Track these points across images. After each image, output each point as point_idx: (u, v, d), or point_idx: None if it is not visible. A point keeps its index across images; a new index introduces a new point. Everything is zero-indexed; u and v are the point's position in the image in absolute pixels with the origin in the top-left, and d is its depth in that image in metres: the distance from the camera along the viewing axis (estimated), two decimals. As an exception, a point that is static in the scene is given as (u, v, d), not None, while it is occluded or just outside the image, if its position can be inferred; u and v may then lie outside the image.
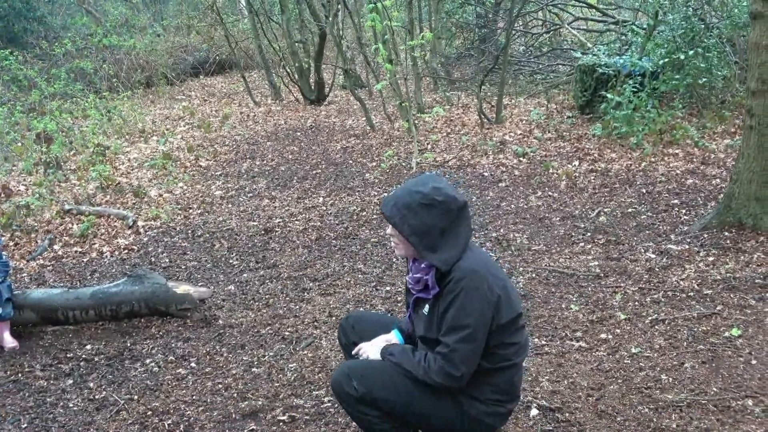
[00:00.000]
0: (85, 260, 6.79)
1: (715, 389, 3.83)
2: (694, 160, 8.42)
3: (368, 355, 3.26)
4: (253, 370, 4.48)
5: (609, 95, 9.51)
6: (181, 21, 22.30)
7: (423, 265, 3.07)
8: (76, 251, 7.02)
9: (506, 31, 11.71)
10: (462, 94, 14.08)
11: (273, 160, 10.28)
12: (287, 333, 4.96)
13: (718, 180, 7.67)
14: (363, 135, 11.48)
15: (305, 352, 4.66)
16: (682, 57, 9.34)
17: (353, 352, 3.34)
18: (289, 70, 15.77)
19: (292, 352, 4.68)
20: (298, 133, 12.10)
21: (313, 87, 15.25)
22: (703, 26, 10.08)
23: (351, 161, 9.87)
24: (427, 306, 3.10)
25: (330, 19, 13.76)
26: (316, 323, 5.08)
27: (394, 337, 3.37)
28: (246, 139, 11.88)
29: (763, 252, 5.65)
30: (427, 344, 3.12)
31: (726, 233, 6.09)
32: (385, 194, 8.18)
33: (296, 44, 15.73)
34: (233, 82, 19.32)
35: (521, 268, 5.78)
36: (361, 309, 5.25)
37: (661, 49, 9.93)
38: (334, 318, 5.13)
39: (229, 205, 8.29)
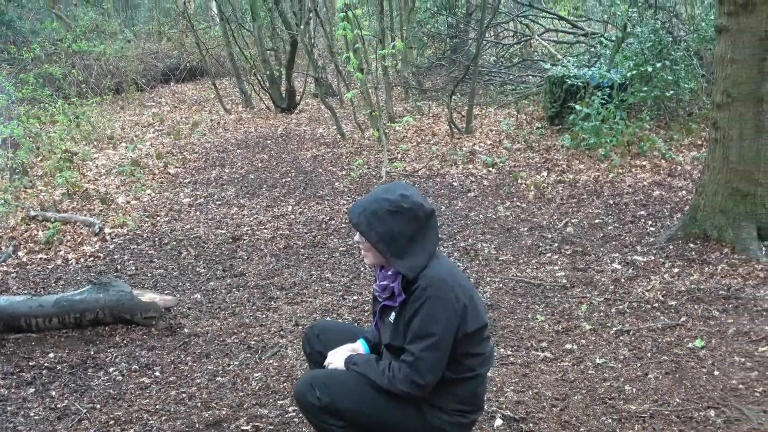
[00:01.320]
0: (49, 267, 6.71)
1: (678, 400, 3.86)
2: (661, 171, 8.51)
3: (333, 364, 3.25)
4: (218, 379, 4.45)
5: (578, 106, 9.59)
6: (152, 27, 22.19)
7: (390, 273, 3.07)
8: (40, 258, 6.93)
9: (477, 42, 11.77)
10: (433, 103, 14.12)
11: (242, 168, 10.24)
12: (253, 342, 4.93)
13: (684, 192, 7.75)
14: (333, 143, 11.48)
15: (271, 361, 4.63)
16: (650, 69, 9.43)
17: (324, 365, 3.31)
18: (260, 78, 15.73)
19: (258, 361, 4.65)
20: (269, 141, 12.07)
21: (284, 95, 15.22)
22: (671, 39, 10.19)
23: (321, 170, 9.85)
24: (393, 314, 3.10)
25: (302, 27, 13.76)
26: (282, 332, 5.06)
27: (360, 346, 3.36)
28: (216, 147, 11.82)
29: (727, 263, 5.72)
30: (393, 352, 3.11)
31: (691, 245, 6.16)
32: (354, 203, 8.17)
33: (267, 52, 15.70)
34: (204, 89, 19.22)
35: (488, 278, 5.80)
36: (328, 318, 5.23)
37: (629, 61, 10.02)
38: (300, 327, 5.11)
39: (197, 213, 8.25)
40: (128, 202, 8.68)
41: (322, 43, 17.46)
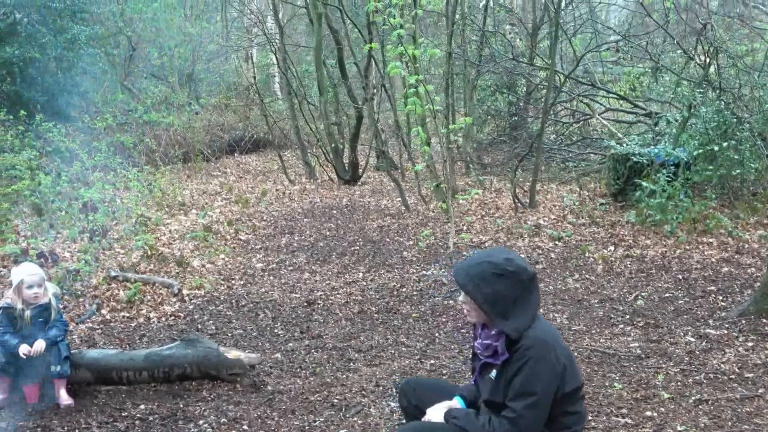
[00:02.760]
0: (132, 325, 6.95)
1: (761, 468, 3.91)
2: (729, 249, 8.56)
3: (431, 419, 3.39)
4: (305, 434, 4.60)
5: (645, 183, 9.71)
6: (219, 100, 22.90)
7: (493, 332, 3.23)
8: (123, 316, 7.19)
9: (541, 119, 12.01)
10: (494, 179, 14.34)
11: (311, 236, 10.50)
12: (336, 400, 5.08)
13: (753, 269, 7.79)
14: (398, 215, 11.71)
15: (355, 419, 4.77)
16: (716, 149, 9.55)
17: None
18: (324, 150, 16.14)
19: (342, 418, 4.79)
20: (334, 211, 12.35)
21: (347, 167, 15.59)
22: (735, 120, 10.32)
23: (388, 239, 10.07)
24: (494, 371, 3.25)
25: (367, 101, 14.16)
26: (363, 392, 5.19)
27: (456, 403, 3.50)
28: (283, 216, 12.13)
29: (801, 339, 5.75)
30: (492, 408, 3.25)
31: (764, 320, 6.20)
32: (423, 272, 8.35)
33: (332, 126, 16.13)
34: (267, 160, 19.71)
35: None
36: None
37: (694, 140, 10.16)
38: (381, 387, 5.25)
39: (271, 278, 8.48)
40: (203, 266, 8.95)
41: (383, 117, 17.89)
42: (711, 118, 10.39)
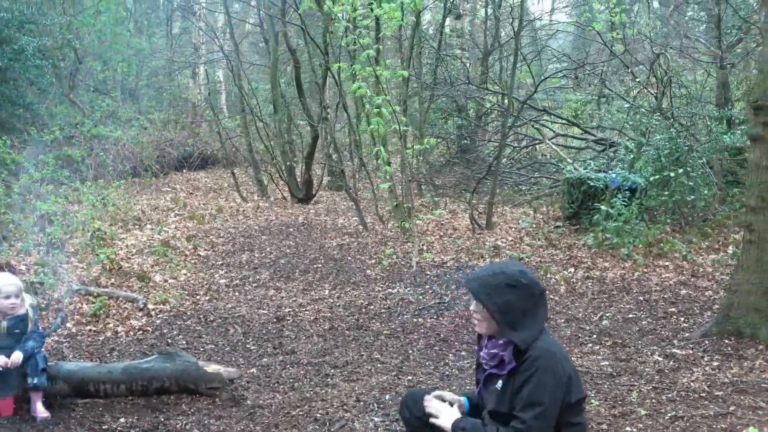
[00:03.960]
0: (101, 339, 6.87)
1: (743, 481, 4.05)
2: (684, 272, 8.81)
3: (439, 421, 3.44)
4: (291, 448, 4.61)
5: (603, 207, 9.94)
6: (167, 115, 22.74)
7: (501, 342, 3.31)
8: (90, 330, 7.09)
9: (499, 143, 12.22)
10: (447, 200, 14.51)
11: (271, 253, 10.49)
12: (318, 415, 5.09)
13: (710, 292, 8.04)
14: (356, 233, 11.77)
15: (340, 432, 4.80)
16: (672, 175, 9.85)
17: (426, 408, 3.51)
18: (278, 168, 16.14)
19: (327, 432, 4.82)
20: (291, 229, 12.35)
21: (300, 186, 15.61)
22: (687, 147, 10.66)
23: (349, 257, 10.11)
24: (500, 382, 3.33)
25: (326, 120, 14.23)
26: (345, 407, 5.22)
27: (462, 403, 3.57)
28: (240, 232, 12.10)
29: (764, 359, 5.95)
30: (497, 419, 3.32)
31: (726, 341, 6.39)
32: (389, 290, 8.42)
33: (286, 144, 16.15)
34: (217, 177, 19.63)
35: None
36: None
37: (648, 166, 10.46)
38: (362, 403, 5.28)
39: (236, 293, 8.45)
40: (166, 281, 8.88)
41: (340, 137, 17.95)
42: (664, 145, 10.72)
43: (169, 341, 6.79)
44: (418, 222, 11.85)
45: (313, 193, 15.67)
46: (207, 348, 6.61)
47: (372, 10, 9.31)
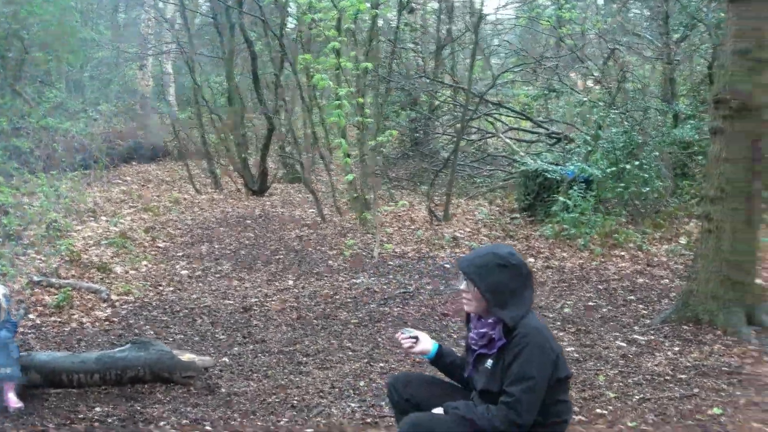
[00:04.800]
0: (66, 330, 6.81)
1: (712, 458, 4.22)
2: (640, 261, 9.05)
3: (420, 346, 3.76)
4: (272, 433, 4.65)
5: (561, 198, 10.13)
6: (117, 107, 22.45)
7: (490, 321, 3.41)
8: (54, 321, 7.02)
9: (457, 136, 12.35)
10: (403, 192, 14.61)
11: (231, 245, 10.47)
12: (295, 402, 5.14)
13: (666, 280, 8.27)
14: (314, 225, 11.80)
15: (318, 419, 4.85)
16: (628, 167, 10.08)
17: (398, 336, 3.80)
18: (233, 160, 16.07)
19: (305, 419, 4.86)
20: (249, 221, 12.33)
21: (255, 178, 15.56)
22: (640, 141, 10.91)
23: (310, 249, 10.15)
24: (489, 361, 3.43)
25: (286, 112, 14.22)
26: (321, 393, 5.28)
27: (429, 343, 3.83)
28: (197, 224, 12.05)
29: (722, 344, 6.17)
30: (487, 398, 3.42)
31: (685, 327, 6.61)
32: (353, 280, 8.48)
33: (241, 136, 16.09)
34: (168, 170, 19.45)
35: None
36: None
37: (603, 159, 10.68)
38: (337, 389, 5.34)
39: (200, 284, 8.44)
40: (127, 272, 8.82)
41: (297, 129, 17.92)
42: (618, 138, 10.95)
43: (137, 332, 6.76)
44: (374, 214, 11.93)
45: (268, 185, 15.64)
46: (176, 338, 6.61)
47: (334, 4, 9.35)
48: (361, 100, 9.80)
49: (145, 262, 9.31)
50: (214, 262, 9.51)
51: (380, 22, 20.46)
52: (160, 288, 8.29)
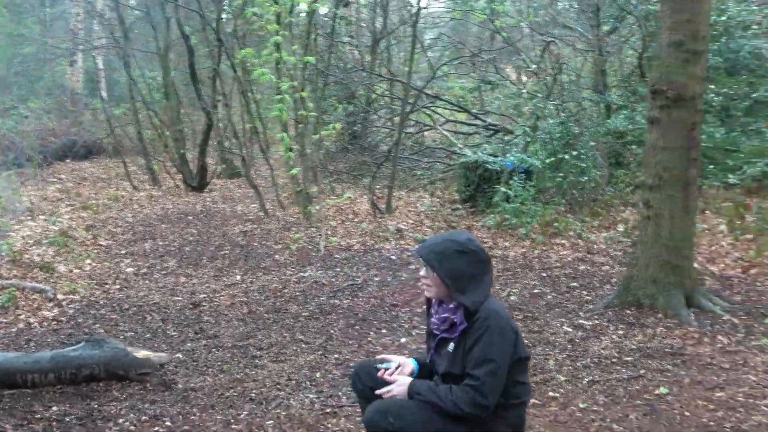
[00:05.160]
0: (14, 330, 6.72)
1: (662, 435, 4.41)
2: (580, 249, 9.28)
3: (393, 392, 3.62)
4: (233, 427, 4.69)
5: (503, 189, 10.32)
6: (47, 104, 22.00)
7: (451, 306, 3.52)
8: (0, 322, 6.93)
9: (398, 129, 12.45)
10: (343, 186, 14.67)
11: (175, 242, 10.41)
12: (253, 395, 5.19)
13: (606, 267, 8.52)
14: (258, 220, 11.79)
15: (278, 411, 4.91)
16: (567, 157, 10.32)
17: (379, 393, 3.67)
18: (171, 157, 15.92)
19: (265, 411, 4.91)
20: (191, 217, 12.26)
21: (194, 174, 15.46)
22: (576, 131, 11.18)
23: (255, 243, 10.15)
24: (451, 344, 3.54)
25: (226, 106, 14.15)
26: (278, 386, 5.34)
27: (410, 362, 3.76)
28: (139, 221, 11.94)
29: (663, 327, 6.41)
30: (449, 380, 3.53)
31: (627, 311, 6.83)
32: (301, 274, 8.53)
33: (179, 132, 15.95)
34: (103, 167, 19.15)
35: (455, 339, 6.25)
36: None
37: (542, 150, 10.92)
38: (294, 381, 5.41)
39: (147, 281, 8.39)
40: (71, 271, 8.72)
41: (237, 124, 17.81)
42: (554, 129, 11.20)
43: (86, 331, 6.71)
44: (318, 208, 11.99)
45: (207, 181, 15.54)
46: (127, 336, 6.58)
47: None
48: (304, 94, 9.83)
49: (88, 261, 9.21)
50: (159, 259, 9.45)
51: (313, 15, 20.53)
52: (107, 286, 8.22)
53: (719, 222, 9.94)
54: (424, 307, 3.91)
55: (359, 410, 4.75)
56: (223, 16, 14.81)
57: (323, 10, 15.96)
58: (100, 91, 26.53)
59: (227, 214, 12.56)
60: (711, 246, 8.99)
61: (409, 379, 3.65)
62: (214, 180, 16.47)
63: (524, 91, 13.62)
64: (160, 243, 10.35)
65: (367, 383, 3.82)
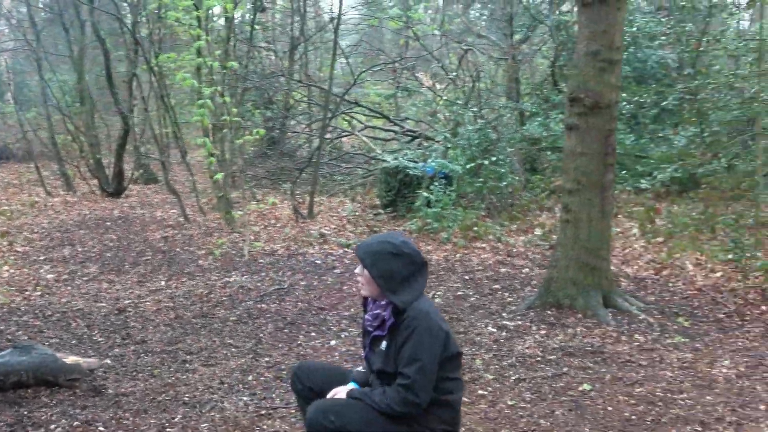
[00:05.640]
0: (-69, 339, 6.56)
1: (587, 429, 4.61)
2: (501, 252, 9.53)
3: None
4: (167, 430, 4.70)
5: (425, 194, 10.51)
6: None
7: (383, 303, 3.65)
8: None
9: (320, 135, 12.54)
10: (263, 191, 14.67)
11: (95, 248, 10.27)
12: (186, 399, 5.20)
13: (526, 269, 8.77)
14: (178, 226, 11.72)
15: (212, 414, 4.94)
16: (486, 162, 10.57)
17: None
18: (86, 162, 15.65)
19: (199, 414, 4.93)
20: (109, 223, 12.10)
21: (111, 179, 15.23)
22: (495, 138, 11.46)
23: (178, 249, 10.10)
24: (384, 342, 3.66)
25: (134, 111, 13.99)
26: (211, 389, 5.36)
27: (352, 386, 3.85)
28: (55, 227, 11.72)
29: (583, 326, 6.65)
30: (383, 378, 3.65)
31: (548, 312, 7.06)
32: (226, 279, 8.53)
33: (94, 136, 15.69)
34: (12, 172, 18.71)
35: (384, 341, 6.37)
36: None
37: (462, 156, 11.16)
38: (226, 385, 5.44)
39: (68, 288, 8.27)
40: (-13, 278, 8.54)
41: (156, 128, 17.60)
42: (472, 136, 11.46)
43: (9, 338, 6.59)
44: (240, 213, 11.97)
45: (124, 186, 15.33)
46: (52, 342, 6.48)
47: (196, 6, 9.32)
48: (228, 99, 9.83)
49: (6, 267, 9.02)
50: (79, 265, 9.31)
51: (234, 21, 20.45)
52: (27, 293, 8.07)
53: (631, 225, 10.34)
54: (361, 305, 4.01)
55: (293, 411, 4.86)
56: (139, 19, 14.65)
57: (237, 14, 15.94)
58: (7, 94, 25.86)
59: (146, 219, 12.44)
60: (624, 249, 9.34)
61: (349, 387, 3.75)
62: (130, 185, 16.25)
63: (444, 98, 13.86)
64: (80, 249, 10.20)
65: (306, 384, 3.90)
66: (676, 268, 8.50)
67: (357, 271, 3.73)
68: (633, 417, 4.77)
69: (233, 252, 9.79)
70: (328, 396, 3.75)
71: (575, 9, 16.75)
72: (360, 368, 3.95)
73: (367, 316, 3.76)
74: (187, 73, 10.31)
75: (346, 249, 9.88)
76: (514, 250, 9.66)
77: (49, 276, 8.76)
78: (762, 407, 4.91)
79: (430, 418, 3.64)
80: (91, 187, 15.67)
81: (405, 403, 3.49)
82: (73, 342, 6.50)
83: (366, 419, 3.55)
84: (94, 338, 6.61)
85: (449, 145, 11.82)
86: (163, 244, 10.41)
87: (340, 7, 11.85)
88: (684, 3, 13.61)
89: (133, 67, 14.37)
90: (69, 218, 12.59)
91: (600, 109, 6.89)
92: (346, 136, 17.45)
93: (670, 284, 8.02)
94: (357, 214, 12.08)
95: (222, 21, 13.98)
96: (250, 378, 5.58)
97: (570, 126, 7.12)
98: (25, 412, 4.98)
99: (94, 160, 15.28)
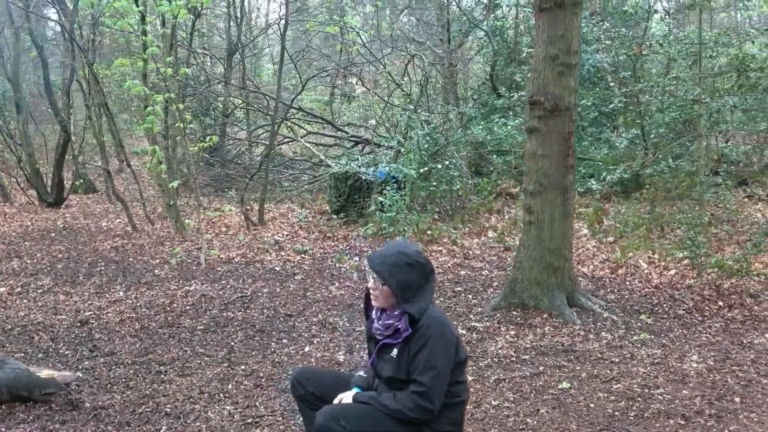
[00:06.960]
0: None
1: (573, 426, 4.71)
2: (457, 255, 9.62)
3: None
4: (154, 442, 4.65)
5: (379, 198, 10.55)
6: None
7: (396, 313, 3.67)
8: None
9: (269, 142, 12.47)
10: (210, 198, 14.54)
11: (44, 259, 10.02)
12: (168, 410, 5.14)
13: (486, 271, 8.88)
14: (126, 235, 11.53)
15: (197, 424, 4.89)
16: (439, 167, 10.67)
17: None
18: (24, 172, 15.27)
19: (185, 424, 4.88)
20: (54, 234, 11.83)
21: (50, 189, 14.88)
22: (444, 142, 11.58)
23: (131, 259, 9.93)
24: (395, 350, 3.68)
25: (89, 119, 13.73)
26: (191, 399, 5.30)
27: (356, 391, 3.86)
28: (-3, 240, 11.42)
29: (550, 326, 6.78)
30: (392, 385, 3.68)
31: (514, 312, 7.18)
32: (186, 288, 8.42)
33: (32, 146, 15.32)
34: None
35: (358, 346, 6.39)
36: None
37: (413, 161, 11.24)
38: (206, 394, 5.38)
39: (24, 301, 8.05)
40: (-66, 293, 8.27)
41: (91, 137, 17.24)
42: (422, 141, 11.55)
43: (-29, 354, 6.41)
44: (188, 221, 11.84)
45: (64, 196, 14.99)
46: (17, 356, 6.31)
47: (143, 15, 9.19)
48: (181, 106, 9.71)
49: (-48, 282, 8.75)
50: (31, 277, 9.08)
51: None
52: (-20, 307, 7.85)
53: (581, 226, 10.55)
54: (364, 312, 4.03)
55: (280, 419, 4.86)
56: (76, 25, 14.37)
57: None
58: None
59: (93, 230, 12.20)
60: (578, 249, 9.52)
61: (354, 392, 3.77)
62: (69, 196, 15.90)
63: (388, 102, 13.93)
64: (28, 261, 9.94)
65: (309, 388, 3.91)
66: (631, 267, 8.72)
67: (370, 284, 3.75)
68: (616, 413, 4.90)
69: (189, 260, 9.67)
70: (335, 401, 3.76)
71: (511, 14, 17.10)
72: (361, 373, 3.97)
73: (377, 325, 3.77)
74: (134, 80, 10.15)
75: (303, 255, 9.85)
76: (471, 252, 9.76)
77: (1, 289, 8.52)
78: (737, 399, 5.09)
79: (442, 421, 3.69)
80: (29, 197, 15.30)
81: (420, 410, 3.54)
82: (40, 356, 6.34)
83: (376, 423, 3.58)
84: (61, 351, 6.46)
85: (401, 149, 11.88)
86: (114, 254, 10.22)
87: (287, 11, 11.78)
88: (626, 8, 13.95)
89: (75, 75, 14.07)
90: (10, 230, 12.26)
91: (560, 111, 7.04)
92: (288, 142, 17.38)
93: (627, 282, 8.22)
94: (308, 220, 12.05)
95: (163, 27, 13.80)
96: (229, 387, 5.54)
97: (531, 129, 7.24)
98: (3, 429, 4.86)
99: (32, 169, 14.91)
